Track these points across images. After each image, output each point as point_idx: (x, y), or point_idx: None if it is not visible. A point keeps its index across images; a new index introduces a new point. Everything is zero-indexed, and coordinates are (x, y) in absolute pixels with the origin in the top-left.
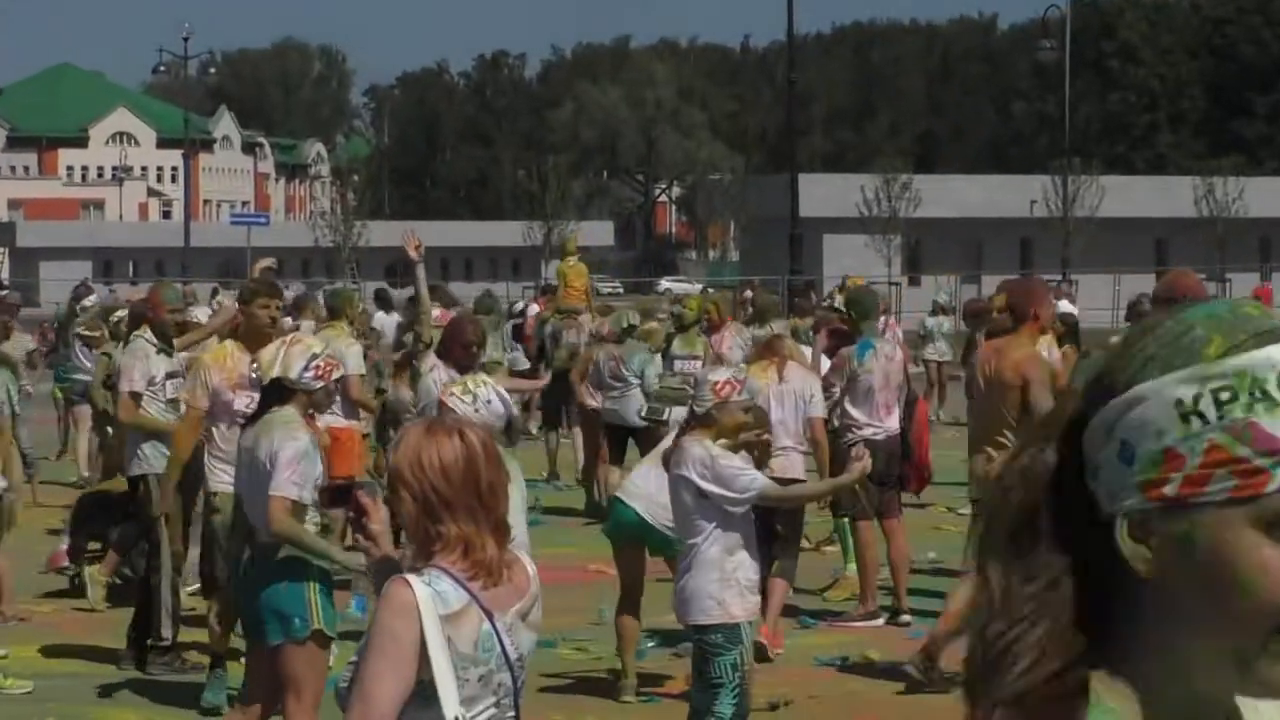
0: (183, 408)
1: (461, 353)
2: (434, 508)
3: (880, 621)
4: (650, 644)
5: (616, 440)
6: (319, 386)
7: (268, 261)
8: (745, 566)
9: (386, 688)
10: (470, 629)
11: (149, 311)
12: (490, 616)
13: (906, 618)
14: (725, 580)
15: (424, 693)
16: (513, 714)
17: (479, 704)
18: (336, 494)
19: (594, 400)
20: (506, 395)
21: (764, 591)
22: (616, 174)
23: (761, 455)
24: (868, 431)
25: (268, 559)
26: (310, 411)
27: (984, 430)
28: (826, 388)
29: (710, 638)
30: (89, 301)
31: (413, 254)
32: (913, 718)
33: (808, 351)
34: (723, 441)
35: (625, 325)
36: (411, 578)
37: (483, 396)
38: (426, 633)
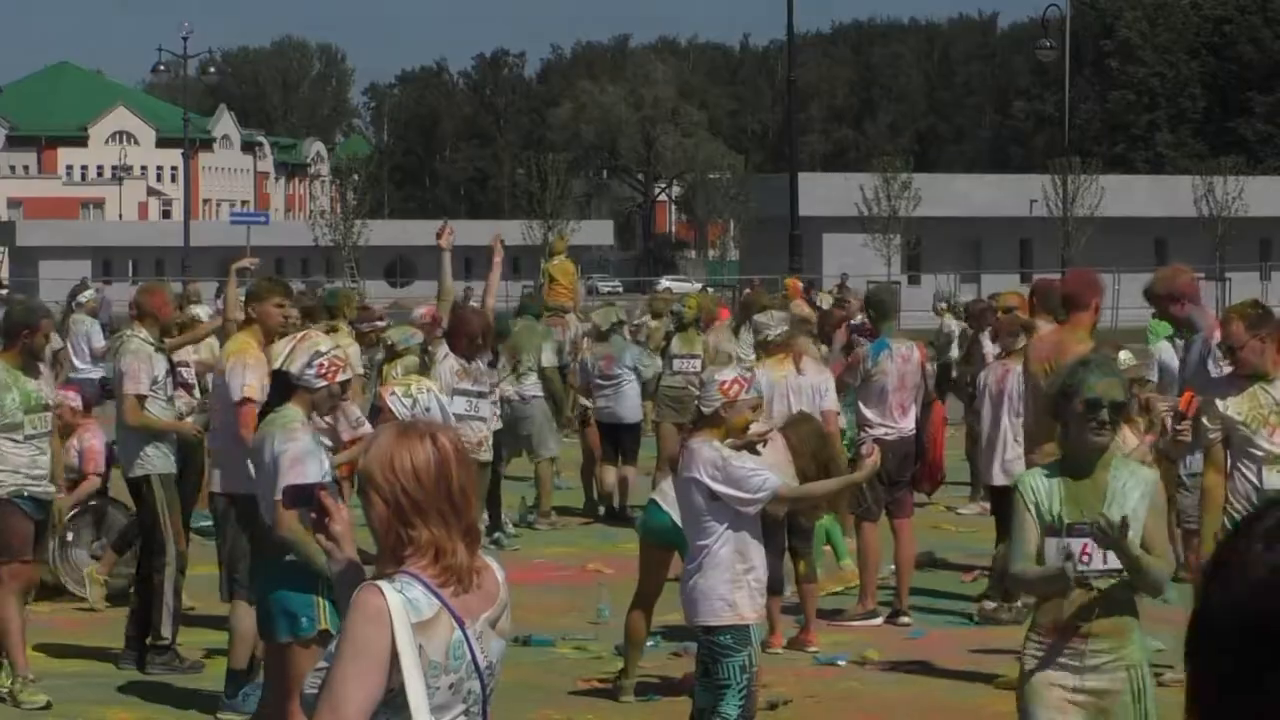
0: (178, 405)
1: (467, 343)
2: (405, 511)
3: (879, 621)
4: (649, 643)
5: (610, 439)
6: (321, 386)
7: (246, 261)
8: (756, 568)
9: (356, 696)
10: (441, 637)
11: (155, 310)
12: (461, 624)
13: (906, 619)
14: (736, 581)
15: (393, 701)
16: None
17: (448, 712)
18: (299, 494)
19: (588, 401)
20: (447, 407)
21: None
22: (616, 173)
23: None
24: (879, 431)
25: (278, 558)
26: (312, 414)
27: (1042, 424)
28: (841, 387)
29: (719, 639)
30: (84, 297)
31: (442, 243)
32: (912, 716)
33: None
34: (730, 441)
35: (614, 321)
36: (383, 584)
37: (422, 402)
38: (398, 640)
